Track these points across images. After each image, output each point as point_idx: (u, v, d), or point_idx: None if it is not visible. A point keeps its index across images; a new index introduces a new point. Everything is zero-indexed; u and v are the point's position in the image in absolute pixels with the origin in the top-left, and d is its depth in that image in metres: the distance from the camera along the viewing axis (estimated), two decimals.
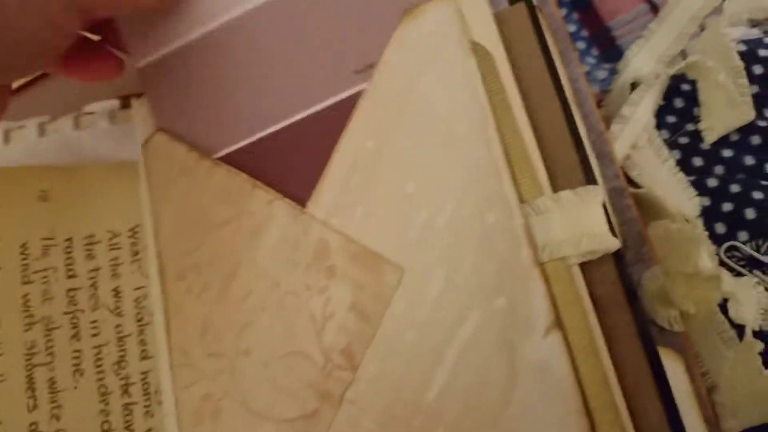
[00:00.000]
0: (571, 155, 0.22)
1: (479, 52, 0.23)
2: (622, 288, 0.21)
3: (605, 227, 0.21)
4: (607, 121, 0.29)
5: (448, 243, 0.22)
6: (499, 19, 0.24)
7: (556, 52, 0.25)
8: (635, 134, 0.29)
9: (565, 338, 0.21)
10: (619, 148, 0.28)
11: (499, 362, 0.21)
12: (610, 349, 0.21)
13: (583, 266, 0.22)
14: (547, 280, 0.21)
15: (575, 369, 0.20)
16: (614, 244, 0.21)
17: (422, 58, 0.23)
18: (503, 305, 0.21)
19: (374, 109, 0.24)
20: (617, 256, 0.22)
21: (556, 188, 0.22)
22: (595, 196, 0.21)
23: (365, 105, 0.24)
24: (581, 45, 0.33)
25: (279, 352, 0.24)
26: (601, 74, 0.31)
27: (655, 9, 0.32)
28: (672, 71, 0.29)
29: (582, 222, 0.21)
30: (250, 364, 0.24)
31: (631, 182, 0.28)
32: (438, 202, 0.23)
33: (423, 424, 0.22)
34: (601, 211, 0.21)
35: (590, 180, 0.22)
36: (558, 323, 0.21)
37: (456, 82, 0.23)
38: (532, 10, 0.24)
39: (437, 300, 0.22)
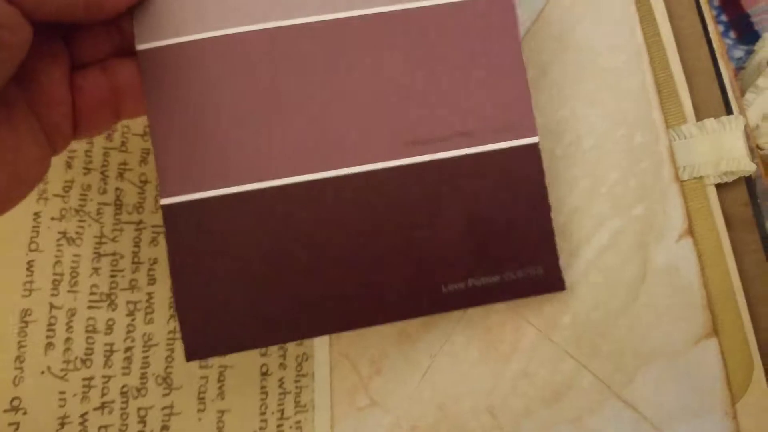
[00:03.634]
0: (715, 92, 0.25)
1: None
2: (751, 209, 0.24)
3: (744, 151, 0.24)
4: (742, 92, 0.31)
5: (596, 159, 0.25)
6: None
7: (707, 11, 0.28)
8: (766, 105, 0.31)
9: (696, 245, 0.23)
10: (751, 117, 0.31)
11: (632, 261, 0.24)
12: (736, 260, 0.23)
13: (718, 187, 0.24)
14: (684, 195, 0.24)
15: (702, 271, 0.23)
16: (750, 167, 0.24)
17: (588, 2, 0.27)
18: (641, 213, 0.24)
19: (537, 44, 0.27)
20: (749, 182, 0.24)
21: (699, 119, 0.25)
22: (737, 124, 0.24)
23: (529, 39, 0.28)
24: (720, 28, 0.35)
25: None
26: (738, 53, 0.34)
27: None
28: None
29: (723, 146, 0.24)
30: None
31: (758, 149, 0.30)
32: (588, 124, 0.26)
33: (553, 310, 0.25)
34: (742, 137, 0.24)
35: (730, 112, 0.25)
36: (690, 231, 0.23)
37: (617, 22, 0.26)
38: None
39: (577, 206, 0.25)
